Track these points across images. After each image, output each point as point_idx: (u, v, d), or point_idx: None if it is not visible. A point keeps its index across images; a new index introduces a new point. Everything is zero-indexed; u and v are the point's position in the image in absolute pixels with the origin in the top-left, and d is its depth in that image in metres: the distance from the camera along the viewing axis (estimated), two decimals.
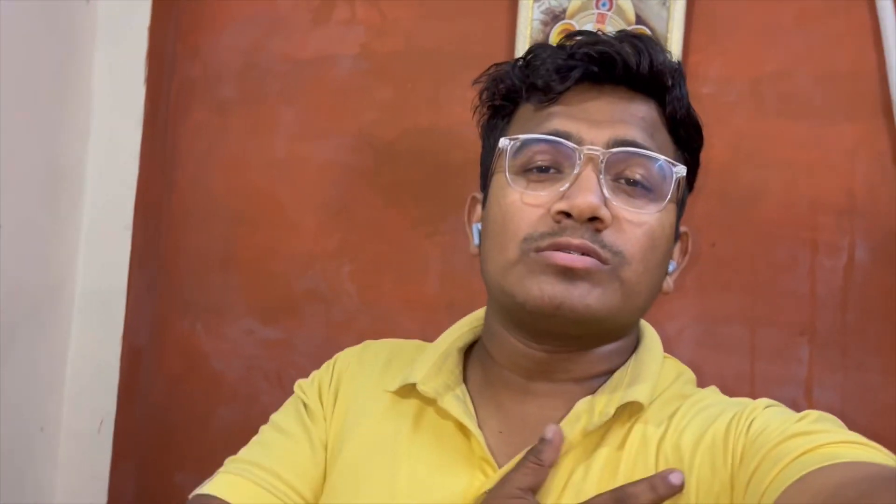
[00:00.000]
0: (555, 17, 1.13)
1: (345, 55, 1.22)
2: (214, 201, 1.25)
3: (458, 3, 1.18)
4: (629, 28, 0.66)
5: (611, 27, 1.12)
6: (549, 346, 0.62)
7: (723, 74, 1.09)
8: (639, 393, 0.60)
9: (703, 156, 1.07)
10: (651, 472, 0.56)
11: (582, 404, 0.60)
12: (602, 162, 0.58)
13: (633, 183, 0.59)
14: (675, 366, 0.68)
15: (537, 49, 0.64)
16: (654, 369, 0.63)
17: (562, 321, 0.58)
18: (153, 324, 1.25)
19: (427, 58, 1.19)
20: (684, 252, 0.69)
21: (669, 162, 0.61)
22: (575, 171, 0.58)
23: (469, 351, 0.70)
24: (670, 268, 0.66)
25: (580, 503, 0.54)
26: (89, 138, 1.20)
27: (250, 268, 1.22)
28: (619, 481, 0.57)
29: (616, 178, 0.59)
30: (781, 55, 1.07)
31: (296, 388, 0.73)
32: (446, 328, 0.73)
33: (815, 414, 0.56)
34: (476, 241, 0.66)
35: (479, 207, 0.69)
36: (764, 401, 0.60)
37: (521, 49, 1.13)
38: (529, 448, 0.57)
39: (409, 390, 0.66)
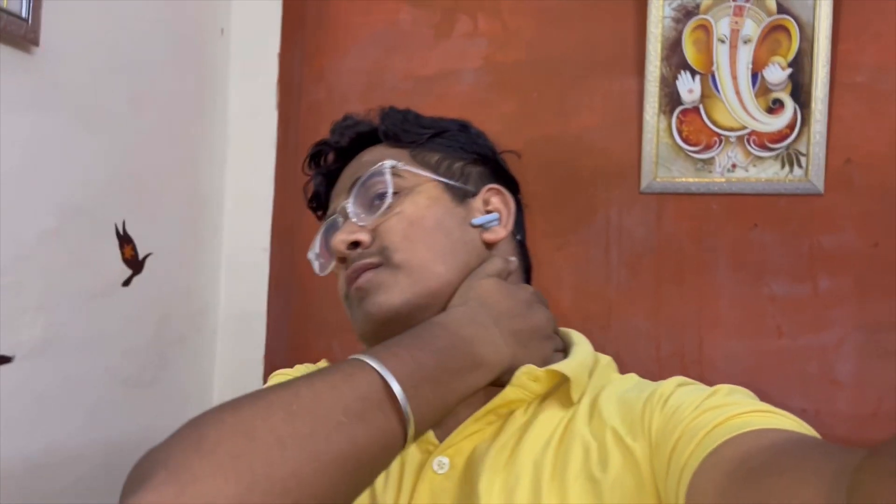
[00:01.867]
0: (687, 13, 1.08)
1: (468, 69, 1.22)
2: None
3: (581, 8, 1.15)
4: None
5: (750, 20, 1.06)
6: None
7: (877, 62, 1.01)
8: (564, 367, 0.62)
9: (860, 148, 1.00)
10: (571, 456, 0.59)
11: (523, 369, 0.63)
12: (347, 205, 0.68)
13: (378, 197, 0.68)
14: (603, 358, 0.70)
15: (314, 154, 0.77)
16: (581, 354, 0.66)
17: (384, 328, 0.63)
18: (291, 344, 1.28)
19: (551, 66, 1.17)
20: (505, 202, 0.73)
21: (381, 166, 0.68)
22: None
23: None
24: (480, 220, 0.69)
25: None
26: (226, 166, 1.25)
27: None
28: (540, 462, 0.59)
29: (371, 204, 0.68)
30: None
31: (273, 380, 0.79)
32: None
33: (727, 388, 0.57)
34: None
35: None
36: (676, 379, 0.62)
37: (652, 51, 1.09)
38: None
39: None
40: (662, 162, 1.09)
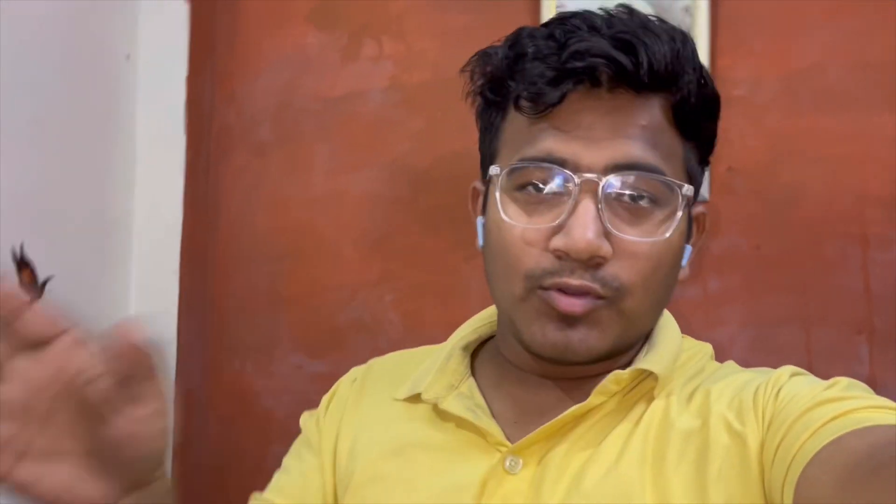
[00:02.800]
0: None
1: (375, 89, 1.25)
2: (258, 240, 1.27)
3: (482, 27, 1.20)
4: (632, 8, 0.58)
5: None
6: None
7: (753, 75, 1.08)
8: (653, 363, 0.59)
9: (741, 157, 1.07)
10: (669, 447, 0.56)
11: (611, 377, 0.59)
12: (600, 188, 0.55)
13: (636, 199, 0.56)
14: (693, 343, 0.67)
15: (525, 41, 0.58)
16: (669, 345, 0.62)
17: (566, 363, 0.58)
18: (204, 367, 1.27)
19: (455, 85, 1.21)
20: (701, 231, 0.66)
21: (674, 182, 0.57)
22: (572, 200, 0.55)
23: (479, 350, 0.70)
24: (684, 261, 0.62)
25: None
26: (135, 188, 1.24)
27: (296, 303, 1.24)
28: (629, 456, 0.56)
29: (618, 197, 0.56)
30: (812, 50, 1.06)
31: (301, 423, 0.75)
32: None
33: (845, 381, 0.54)
34: (480, 239, 0.65)
35: (480, 200, 0.66)
36: (789, 368, 0.59)
37: None
38: None
39: (418, 397, 0.66)
40: None
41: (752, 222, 1.07)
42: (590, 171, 0.55)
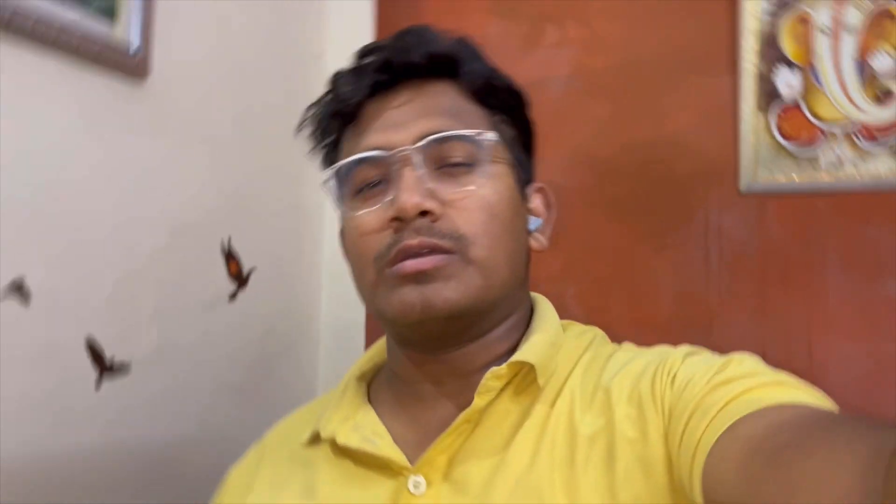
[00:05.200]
0: (784, 5, 1.04)
1: (558, 76, 1.21)
2: None
3: (670, 8, 1.13)
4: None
5: (854, 8, 1.00)
6: (443, 349, 0.61)
7: None
8: (528, 354, 0.59)
9: None
10: (577, 451, 0.55)
11: (488, 374, 0.59)
12: (415, 156, 0.59)
13: (454, 164, 0.61)
14: (581, 329, 0.67)
15: (335, 77, 0.67)
16: (545, 334, 0.62)
17: (434, 324, 0.59)
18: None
19: (643, 68, 1.15)
20: (548, 205, 0.70)
21: (474, 133, 0.61)
22: (394, 176, 0.60)
23: (375, 379, 0.70)
24: (532, 224, 0.66)
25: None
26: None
27: None
28: (540, 462, 0.55)
29: (439, 167, 0.60)
30: None
31: None
32: None
33: (738, 357, 0.55)
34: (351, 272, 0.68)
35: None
36: (683, 349, 0.59)
37: (747, 47, 1.06)
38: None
39: (318, 437, 0.66)
40: (762, 161, 1.05)
41: None
42: (402, 146, 0.60)
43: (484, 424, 0.59)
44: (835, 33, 1.01)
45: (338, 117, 0.66)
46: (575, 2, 1.20)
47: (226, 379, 1.08)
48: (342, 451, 0.64)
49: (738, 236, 1.06)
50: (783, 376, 0.52)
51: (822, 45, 1.02)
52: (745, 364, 0.54)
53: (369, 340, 1.28)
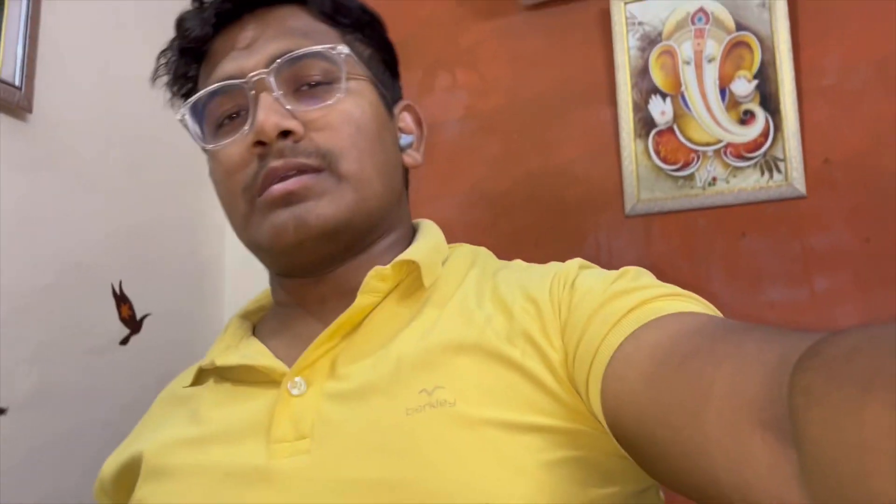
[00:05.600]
0: (651, 41, 1.12)
1: (452, 119, 1.26)
2: None
3: (552, 49, 1.20)
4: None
5: (711, 40, 1.09)
6: (323, 269, 0.61)
7: (843, 63, 1.03)
8: (412, 254, 0.58)
9: (837, 148, 1.00)
10: (467, 321, 0.54)
11: (372, 273, 0.58)
12: (269, 79, 0.58)
13: (312, 85, 0.59)
14: (469, 249, 0.67)
15: (179, 19, 0.65)
16: (429, 239, 0.62)
17: (311, 243, 0.57)
18: None
19: (530, 107, 1.21)
20: (418, 122, 0.69)
21: (327, 48, 0.59)
22: (251, 103, 0.58)
23: (262, 320, 0.69)
24: (404, 141, 0.65)
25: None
26: (225, 230, 1.29)
27: None
28: (428, 344, 0.53)
29: (296, 89, 0.59)
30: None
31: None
32: None
33: (634, 270, 0.55)
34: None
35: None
36: (577, 261, 0.59)
37: (621, 80, 1.13)
38: None
39: (202, 375, 0.64)
40: (644, 184, 1.10)
41: (857, 214, 0.99)
42: (255, 73, 0.59)
43: (368, 326, 0.57)
44: (697, 64, 1.10)
45: (188, 56, 0.64)
46: (463, 50, 1.27)
47: (116, 427, 1.02)
48: (224, 376, 0.61)
49: (628, 256, 1.10)
50: (678, 289, 0.51)
51: (687, 74, 1.10)
52: (641, 277, 0.54)
53: None
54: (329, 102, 0.59)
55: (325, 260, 0.60)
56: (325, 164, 0.57)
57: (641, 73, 1.12)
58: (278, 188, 0.56)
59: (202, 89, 0.62)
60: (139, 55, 1.11)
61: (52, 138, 0.97)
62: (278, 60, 0.59)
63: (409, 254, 0.59)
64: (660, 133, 1.10)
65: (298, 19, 0.62)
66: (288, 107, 0.58)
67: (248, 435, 0.54)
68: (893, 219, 0.97)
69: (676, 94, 1.10)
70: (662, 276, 1.07)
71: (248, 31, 0.61)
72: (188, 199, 1.22)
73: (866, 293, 0.97)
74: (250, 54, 0.60)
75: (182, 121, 0.63)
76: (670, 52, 1.11)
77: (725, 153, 1.07)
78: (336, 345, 0.57)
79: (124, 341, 1.06)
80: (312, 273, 0.61)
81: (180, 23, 0.64)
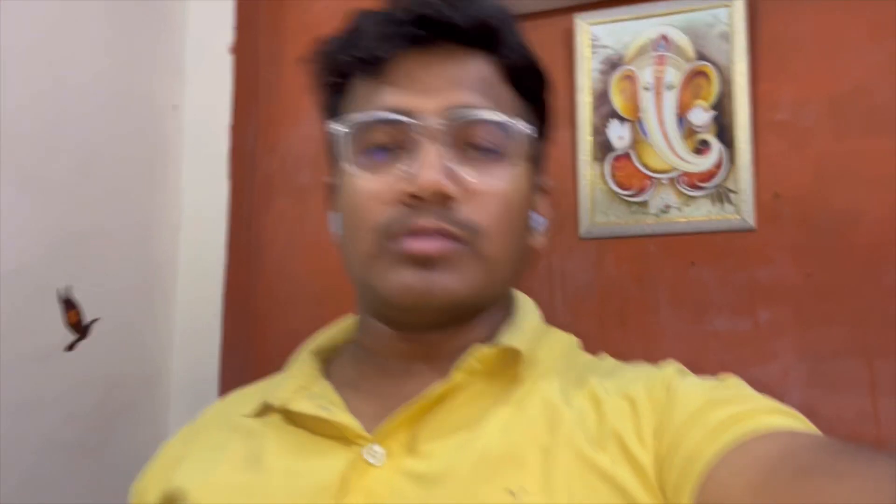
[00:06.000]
0: (613, 65, 1.13)
1: None
2: (299, 284, 1.28)
3: None
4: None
5: (672, 67, 1.10)
6: (423, 331, 0.59)
7: (797, 99, 1.05)
8: (517, 340, 0.57)
9: (786, 183, 1.02)
10: (555, 417, 0.53)
11: (467, 354, 0.57)
12: (442, 132, 0.55)
13: (479, 148, 0.57)
14: (560, 332, 0.66)
15: (360, 18, 0.60)
16: (530, 323, 0.61)
17: (427, 310, 0.56)
18: None
19: None
20: (553, 205, 0.68)
21: (512, 122, 0.58)
22: (415, 148, 0.56)
23: (334, 359, 0.67)
24: (537, 223, 0.64)
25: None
26: (179, 234, 1.27)
27: None
28: (514, 434, 0.52)
29: (461, 146, 0.57)
30: (857, 71, 1.02)
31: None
32: None
33: (733, 380, 0.54)
34: (337, 230, 0.63)
35: (334, 193, 0.66)
36: (673, 365, 0.58)
37: (582, 102, 1.13)
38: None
39: (266, 409, 0.62)
40: (599, 207, 1.11)
41: (801, 250, 1.01)
42: (428, 115, 0.56)
43: (453, 401, 0.56)
44: (657, 90, 1.11)
45: (357, 63, 0.59)
46: None
47: (57, 437, 1.01)
48: (294, 421, 0.59)
49: (579, 278, 1.11)
50: (781, 405, 0.52)
51: (646, 101, 1.11)
52: (740, 386, 0.54)
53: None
54: (493, 179, 0.56)
55: (431, 325, 0.59)
56: (470, 239, 0.56)
57: (601, 96, 1.13)
58: (418, 246, 0.54)
59: (362, 102, 0.59)
60: (87, 58, 1.09)
61: None
62: (457, 117, 0.56)
63: (514, 340, 0.58)
64: (617, 158, 1.11)
65: (483, 71, 0.59)
66: (452, 166, 0.56)
67: (315, 498, 0.53)
68: (835, 256, 0.99)
69: (635, 120, 1.11)
70: (611, 300, 1.09)
71: (431, 67, 0.57)
72: (140, 202, 1.20)
73: (806, 327, 0.99)
74: (427, 95, 0.57)
75: (333, 132, 0.59)
76: (631, 77, 1.12)
77: (679, 182, 1.08)
78: (419, 416, 0.55)
79: (70, 347, 1.05)
80: (409, 330, 0.60)
81: (360, 22, 0.59)
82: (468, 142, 0.57)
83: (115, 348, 1.12)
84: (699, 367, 1.02)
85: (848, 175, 1.00)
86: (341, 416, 0.56)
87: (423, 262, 0.54)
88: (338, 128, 0.59)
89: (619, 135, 1.12)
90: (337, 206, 0.63)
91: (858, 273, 0.98)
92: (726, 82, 1.07)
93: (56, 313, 1.03)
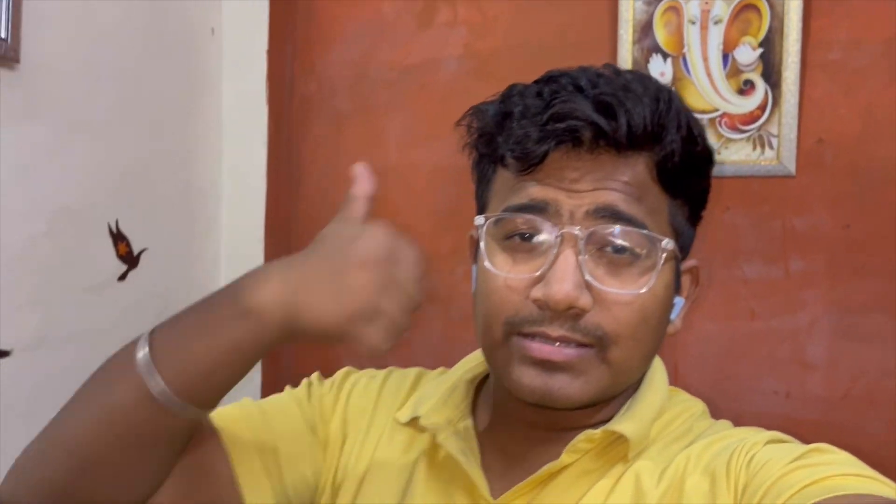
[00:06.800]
0: None
1: (449, 57, 1.23)
2: (338, 209, 1.31)
3: None
4: (625, 71, 0.61)
5: (721, 0, 1.04)
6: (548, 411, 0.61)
7: (851, 38, 0.99)
8: (625, 427, 0.58)
9: (832, 128, 0.99)
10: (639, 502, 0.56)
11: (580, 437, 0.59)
12: (581, 241, 0.55)
13: (618, 250, 0.57)
14: (684, 399, 0.65)
15: (514, 100, 0.59)
16: (649, 407, 0.61)
17: (547, 409, 0.58)
18: None
19: (528, 52, 1.18)
20: (695, 283, 0.65)
21: (654, 236, 0.57)
22: (553, 251, 0.56)
23: (481, 384, 0.69)
24: (673, 314, 0.62)
25: None
26: (222, 160, 1.30)
27: None
28: None
29: (601, 248, 0.57)
30: None
31: (303, 388, 0.72)
32: None
33: (822, 446, 0.54)
34: (474, 285, 0.63)
35: (475, 248, 0.65)
36: (768, 434, 0.58)
37: (623, 35, 1.09)
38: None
39: (416, 422, 0.66)
40: None
41: (841, 200, 0.99)
42: (571, 219, 0.56)
43: (565, 478, 0.60)
44: (703, 24, 1.06)
45: (510, 158, 0.58)
46: None
47: None
48: (438, 448, 0.64)
49: None
50: (865, 468, 0.51)
51: (692, 35, 1.06)
52: (829, 454, 0.53)
53: None
54: (629, 286, 0.56)
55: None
56: (596, 344, 0.56)
57: (644, 29, 1.08)
58: (539, 351, 0.56)
59: (508, 189, 0.59)
60: None
61: (41, 86, 0.97)
62: (597, 224, 0.56)
63: (624, 424, 0.59)
64: None
65: (635, 171, 0.57)
66: (587, 276, 0.55)
67: None
68: (876, 208, 0.97)
69: (678, 56, 1.07)
70: None
71: (580, 166, 0.57)
72: (178, 134, 1.22)
73: (838, 279, 0.99)
74: (573, 195, 0.57)
75: (479, 227, 0.60)
76: (676, 9, 1.07)
77: (720, 123, 1.05)
78: (535, 489, 0.59)
79: (122, 277, 1.11)
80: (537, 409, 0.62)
81: (514, 111, 0.58)
82: (608, 242, 0.57)
83: (164, 276, 1.18)
84: (728, 313, 1.04)
85: (893, 123, 0.96)
86: (474, 471, 0.60)
87: (545, 365, 0.56)
88: (481, 220, 0.60)
89: (660, 70, 1.08)
90: (475, 277, 0.63)
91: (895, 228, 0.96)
92: (777, 18, 1.02)
93: (108, 247, 1.08)
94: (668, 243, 0.57)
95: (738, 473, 0.53)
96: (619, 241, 0.56)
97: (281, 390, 0.73)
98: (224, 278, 1.30)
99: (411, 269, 0.51)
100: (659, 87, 0.59)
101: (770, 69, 1.02)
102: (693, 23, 1.06)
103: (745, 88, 1.04)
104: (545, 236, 0.57)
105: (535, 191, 0.58)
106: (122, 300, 1.10)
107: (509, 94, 0.60)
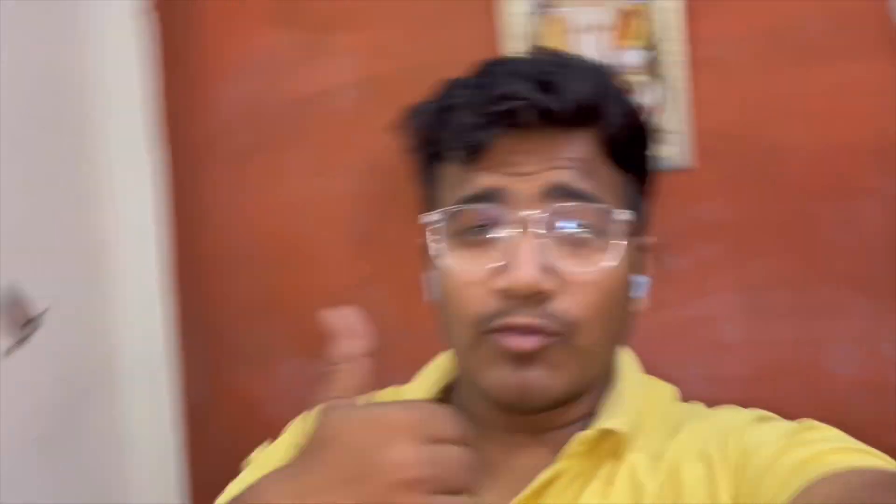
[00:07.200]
0: (540, 5, 1.11)
1: (346, 84, 1.23)
2: (244, 249, 1.27)
3: (445, 12, 1.17)
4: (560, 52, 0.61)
5: (604, 8, 1.08)
6: (525, 413, 0.60)
7: (727, 34, 1.05)
8: (616, 422, 0.58)
9: (724, 121, 1.04)
10: (638, 496, 0.56)
11: (574, 442, 0.59)
12: (538, 222, 0.55)
13: (575, 228, 0.57)
14: (656, 385, 0.66)
15: (452, 91, 0.60)
16: (634, 398, 0.62)
17: (525, 407, 0.58)
18: (208, 374, 1.28)
19: (425, 74, 1.17)
20: (654, 262, 0.66)
21: (608, 208, 0.57)
22: (511, 238, 0.55)
23: (445, 398, 0.68)
24: (639, 290, 0.63)
25: None
26: (116, 209, 1.24)
27: (289, 307, 1.23)
28: None
29: (557, 228, 0.56)
30: (787, 4, 1.02)
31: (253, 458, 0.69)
32: None
33: (812, 423, 0.55)
34: (432, 295, 0.63)
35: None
36: (751, 413, 0.59)
37: (516, 49, 1.11)
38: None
39: None
40: None
41: (738, 187, 1.04)
42: (524, 203, 0.56)
43: (559, 484, 0.58)
44: (588, 32, 1.09)
45: (453, 150, 0.58)
46: (354, 8, 1.21)
47: (24, 433, 1.01)
48: None
49: None
50: (857, 442, 0.52)
51: (581, 44, 1.10)
52: (819, 430, 0.54)
53: (188, 368, 1.25)
54: (591, 269, 0.55)
55: (532, 411, 0.59)
56: (563, 331, 0.56)
57: (535, 40, 1.11)
58: (515, 344, 0.55)
59: (457, 182, 0.58)
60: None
61: None
62: (552, 204, 0.55)
63: (614, 419, 0.58)
64: None
65: (582, 147, 0.57)
66: (549, 258, 0.55)
67: None
68: (771, 191, 1.03)
69: None
70: None
71: (527, 150, 0.56)
72: (69, 186, 1.16)
73: (743, 262, 1.04)
74: (523, 178, 0.56)
75: (430, 224, 0.59)
76: (561, 21, 1.10)
77: None
78: (532, 500, 0.58)
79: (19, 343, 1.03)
80: (512, 413, 0.60)
81: (453, 102, 0.58)
82: (564, 222, 0.56)
83: (68, 333, 1.11)
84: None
85: (778, 110, 1.03)
86: None
87: (520, 358, 0.55)
88: (433, 216, 0.59)
89: None
90: (432, 274, 0.62)
91: (790, 205, 1.02)
92: (659, 22, 1.06)
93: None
94: (622, 214, 0.57)
95: (733, 455, 0.54)
96: (575, 219, 0.56)
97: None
98: (129, 330, 1.23)
99: (458, 458, 0.40)
100: (596, 63, 0.60)
101: (658, 69, 1.07)
102: (580, 31, 1.10)
103: (638, 91, 1.08)
104: (500, 225, 0.56)
105: (484, 179, 0.57)
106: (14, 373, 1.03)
107: (445, 88, 0.61)
